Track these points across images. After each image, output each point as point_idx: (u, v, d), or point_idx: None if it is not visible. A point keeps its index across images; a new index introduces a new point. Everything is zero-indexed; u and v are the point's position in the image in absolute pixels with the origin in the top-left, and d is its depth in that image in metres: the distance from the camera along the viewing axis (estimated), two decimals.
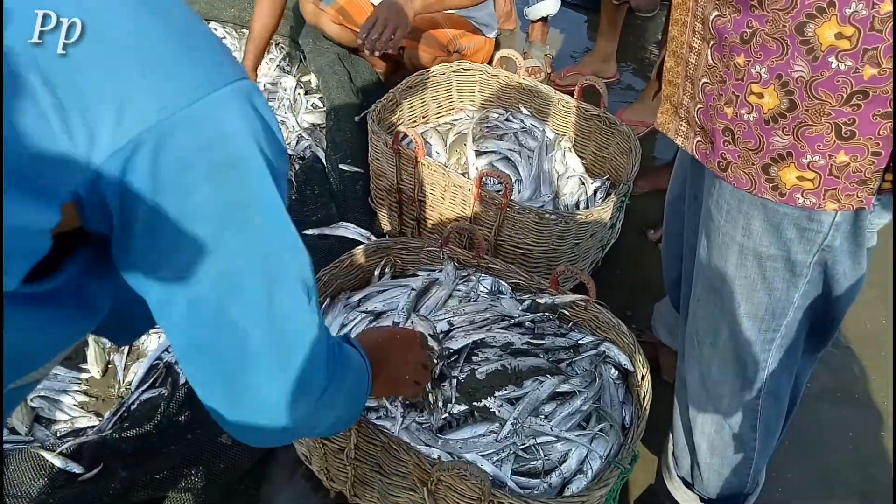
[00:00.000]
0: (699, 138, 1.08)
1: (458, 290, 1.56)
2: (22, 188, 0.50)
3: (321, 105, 2.51)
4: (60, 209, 0.53)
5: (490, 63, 2.37)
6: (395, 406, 1.29)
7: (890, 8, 0.81)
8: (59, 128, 0.51)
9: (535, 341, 1.41)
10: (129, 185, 0.53)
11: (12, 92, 0.49)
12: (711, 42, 0.99)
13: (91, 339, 1.77)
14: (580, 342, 1.46)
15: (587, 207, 1.96)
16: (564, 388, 1.34)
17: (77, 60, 0.52)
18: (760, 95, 0.94)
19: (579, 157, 2.10)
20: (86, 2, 0.54)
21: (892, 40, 0.82)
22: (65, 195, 0.53)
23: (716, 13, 0.95)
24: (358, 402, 0.91)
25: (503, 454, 1.25)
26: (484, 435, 1.28)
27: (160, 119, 0.53)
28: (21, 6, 0.52)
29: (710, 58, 1.00)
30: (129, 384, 1.71)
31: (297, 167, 2.23)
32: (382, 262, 1.65)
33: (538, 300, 1.50)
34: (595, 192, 2.00)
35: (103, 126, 0.52)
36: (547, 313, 1.48)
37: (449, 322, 1.45)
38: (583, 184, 2.01)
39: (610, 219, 1.84)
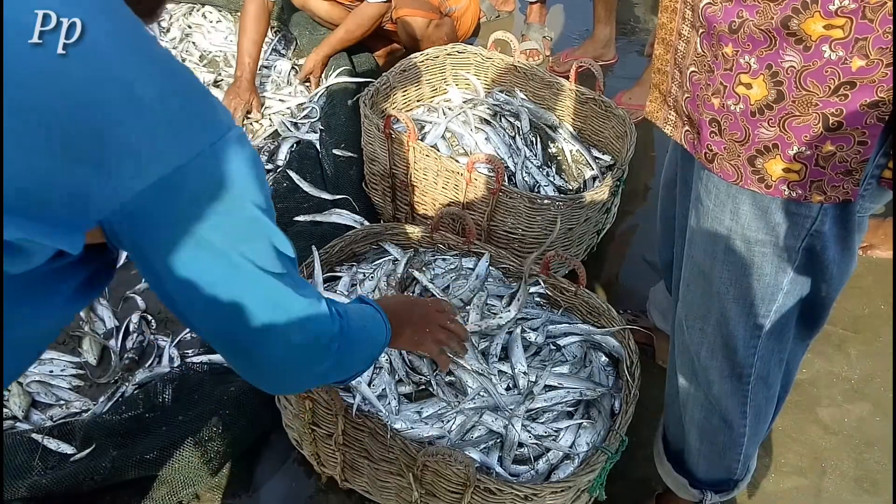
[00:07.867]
0: (687, 128, 1.07)
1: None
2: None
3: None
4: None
5: (477, 32, 2.31)
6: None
7: None
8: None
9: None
10: (151, 219, 0.64)
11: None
12: (701, 30, 0.97)
13: (86, 326, 1.78)
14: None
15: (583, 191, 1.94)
16: (553, 377, 1.34)
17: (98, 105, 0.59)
18: (749, 86, 0.92)
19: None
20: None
21: (881, 31, 0.81)
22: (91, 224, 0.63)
23: (707, 1, 0.94)
24: (373, 353, 1.05)
25: (489, 443, 1.25)
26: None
27: (178, 165, 0.62)
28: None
29: (699, 46, 0.98)
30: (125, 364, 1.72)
31: (291, 153, 2.21)
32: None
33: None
34: (594, 179, 1.98)
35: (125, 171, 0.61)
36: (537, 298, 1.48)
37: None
38: (580, 168, 1.99)
39: (604, 203, 1.83)
